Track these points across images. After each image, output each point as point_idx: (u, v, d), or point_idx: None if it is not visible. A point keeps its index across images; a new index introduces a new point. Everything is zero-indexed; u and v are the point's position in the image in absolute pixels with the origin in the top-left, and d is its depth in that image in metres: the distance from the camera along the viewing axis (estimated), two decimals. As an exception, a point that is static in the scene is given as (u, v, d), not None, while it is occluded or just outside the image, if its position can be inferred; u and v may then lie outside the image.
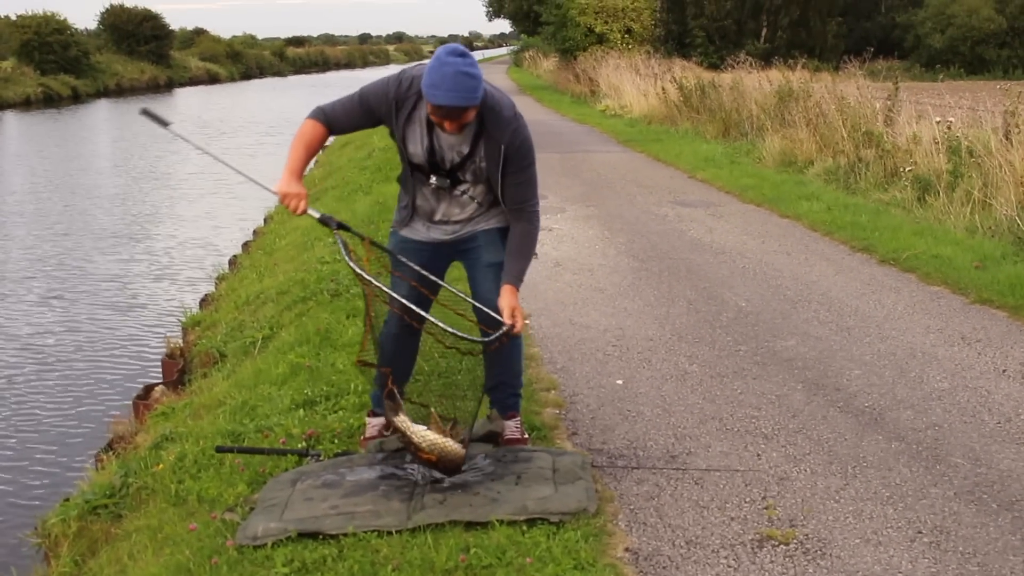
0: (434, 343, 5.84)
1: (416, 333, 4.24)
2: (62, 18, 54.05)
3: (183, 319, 8.78)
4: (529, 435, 4.56)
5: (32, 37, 51.77)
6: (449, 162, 3.96)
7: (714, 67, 28.92)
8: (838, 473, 4.26)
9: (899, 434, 4.66)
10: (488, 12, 62.50)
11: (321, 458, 4.29)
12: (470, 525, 3.68)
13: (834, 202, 10.53)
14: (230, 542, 3.66)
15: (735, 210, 10.72)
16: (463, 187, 4.04)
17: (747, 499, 4.03)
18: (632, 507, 3.96)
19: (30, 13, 54.10)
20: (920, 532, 3.74)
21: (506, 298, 3.95)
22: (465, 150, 3.91)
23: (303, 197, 3.92)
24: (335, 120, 4.01)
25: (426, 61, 3.78)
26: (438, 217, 4.15)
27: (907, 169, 10.62)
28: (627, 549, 3.63)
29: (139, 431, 6.17)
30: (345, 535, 3.64)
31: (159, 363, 8.05)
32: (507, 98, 3.93)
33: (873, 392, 5.20)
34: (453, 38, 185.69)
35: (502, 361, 4.34)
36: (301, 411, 4.93)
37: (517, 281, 4.00)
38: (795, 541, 3.67)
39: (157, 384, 7.23)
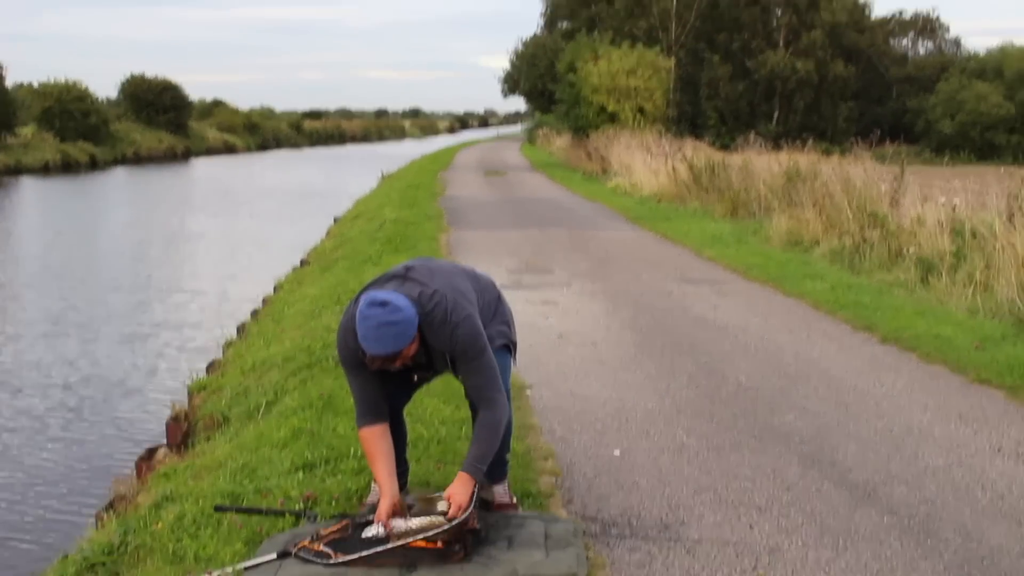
0: (435, 408, 5.93)
1: (400, 422, 4.45)
2: (83, 87, 55.04)
3: (189, 383, 8.86)
4: (522, 501, 4.61)
5: (53, 104, 52.66)
6: (418, 363, 4.11)
7: (725, 148, 29.24)
8: (829, 545, 4.30)
9: (892, 508, 4.69)
10: (503, 89, 63.31)
11: (317, 519, 4.34)
12: (462, 587, 3.72)
13: (838, 282, 10.62)
14: (224, 599, 3.70)
15: (740, 288, 10.81)
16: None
17: (737, 569, 4.07)
18: (623, 574, 4.00)
19: (53, 81, 55.12)
20: (908, 605, 3.77)
21: (455, 487, 3.98)
22: (423, 359, 4.09)
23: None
24: (371, 403, 4.14)
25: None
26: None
27: (911, 250, 10.73)
28: (616, 615, 3.66)
29: (140, 491, 6.22)
30: (338, 595, 3.68)
31: (164, 426, 8.11)
32: (441, 301, 3.97)
33: (868, 467, 5.24)
34: (469, 115, 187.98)
35: None
36: (300, 473, 4.99)
37: (474, 469, 4.00)
38: (783, 611, 3.71)
39: (161, 446, 7.29)
